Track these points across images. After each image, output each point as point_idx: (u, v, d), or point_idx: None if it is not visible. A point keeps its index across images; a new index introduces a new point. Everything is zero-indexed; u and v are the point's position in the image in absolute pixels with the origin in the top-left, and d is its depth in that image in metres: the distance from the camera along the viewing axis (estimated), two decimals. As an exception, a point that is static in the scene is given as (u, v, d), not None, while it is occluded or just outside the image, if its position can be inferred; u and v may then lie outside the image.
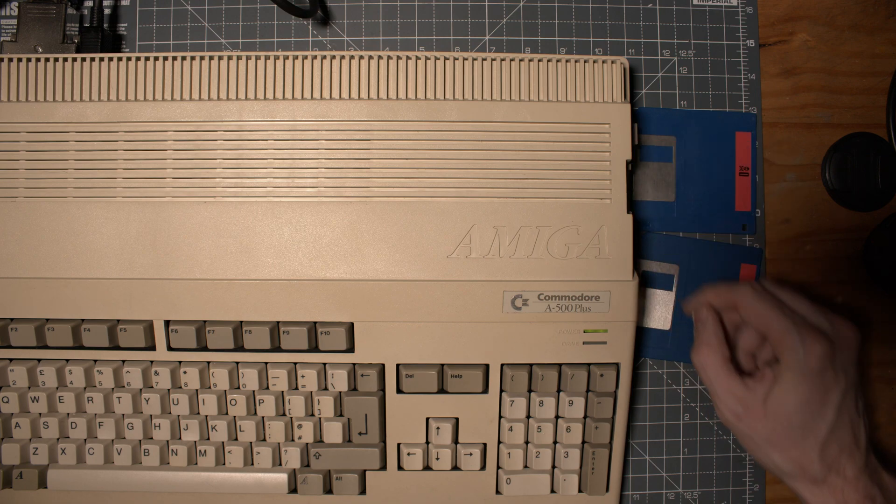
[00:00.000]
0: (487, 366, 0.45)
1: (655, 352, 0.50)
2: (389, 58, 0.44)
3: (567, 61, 0.44)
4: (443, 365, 0.44)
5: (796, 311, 0.42)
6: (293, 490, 0.46)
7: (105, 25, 0.49)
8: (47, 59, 0.44)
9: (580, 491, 0.46)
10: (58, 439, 0.45)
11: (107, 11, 0.50)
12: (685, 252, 0.50)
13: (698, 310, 0.44)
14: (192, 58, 0.44)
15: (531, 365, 0.45)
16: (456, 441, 0.46)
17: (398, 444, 0.45)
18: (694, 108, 0.51)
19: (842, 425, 0.40)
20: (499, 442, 0.46)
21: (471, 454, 0.45)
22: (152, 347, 0.44)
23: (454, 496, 0.46)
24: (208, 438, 0.45)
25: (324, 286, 0.43)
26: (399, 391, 0.45)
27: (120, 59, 0.44)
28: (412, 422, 0.45)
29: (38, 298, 0.43)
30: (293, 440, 0.45)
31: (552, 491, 0.46)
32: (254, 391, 0.45)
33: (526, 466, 0.46)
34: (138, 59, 0.44)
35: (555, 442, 0.46)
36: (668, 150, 0.50)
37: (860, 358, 0.43)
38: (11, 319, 0.44)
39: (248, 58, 0.44)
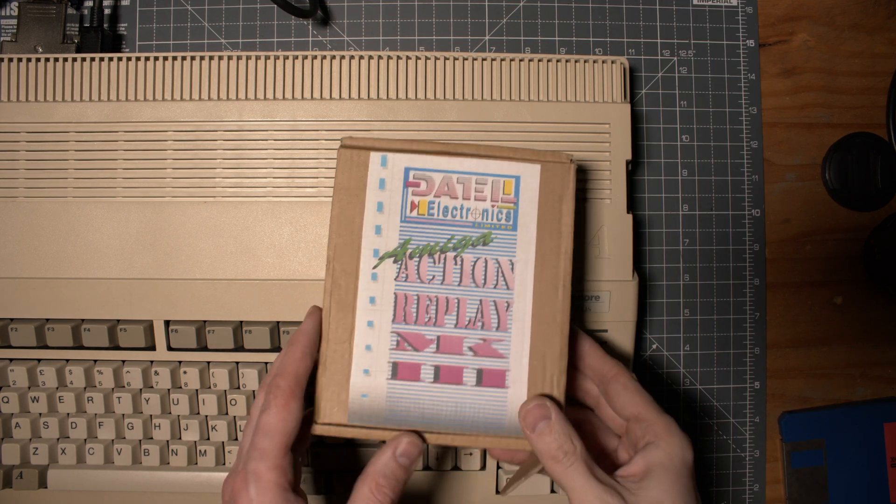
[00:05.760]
0: (487, 366, 0.45)
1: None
2: (389, 58, 0.44)
3: (567, 61, 0.44)
4: (443, 365, 0.44)
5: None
6: (293, 490, 0.46)
7: (105, 25, 0.49)
8: (47, 59, 0.44)
9: (580, 491, 0.46)
10: (58, 439, 0.45)
11: (107, 11, 0.50)
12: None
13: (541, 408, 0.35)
14: (192, 58, 0.44)
15: (531, 365, 0.45)
16: (456, 441, 0.46)
17: (398, 444, 0.45)
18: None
19: None
20: (499, 442, 0.46)
21: (471, 454, 0.45)
22: (152, 347, 0.44)
23: (454, 496, 0.46)
24: (208, 438, 0.45)
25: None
26: (399, 391, 0.45)
27: (120, 59, 0.44)
28: (412, 422, 0.45)
29: (38, 298, 0.43)
30: (293, 440, 0.45)
31: (552, 491, 0.46)
32: (254, 391, 0.45)
33: (526, 466, 0.46)
34: (138, 59, 0.44)
35: (555, 442, 0.46)
36: (818, 454, 0.50)
37: None
38: (11, 319, 0.44)
39: (248, 58, 0.44)
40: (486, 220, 0.36)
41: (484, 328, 0.36)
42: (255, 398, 0.36)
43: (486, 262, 0.36)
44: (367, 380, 0.36)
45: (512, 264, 0.36)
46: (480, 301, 0.36)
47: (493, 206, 0.36)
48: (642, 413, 0.36)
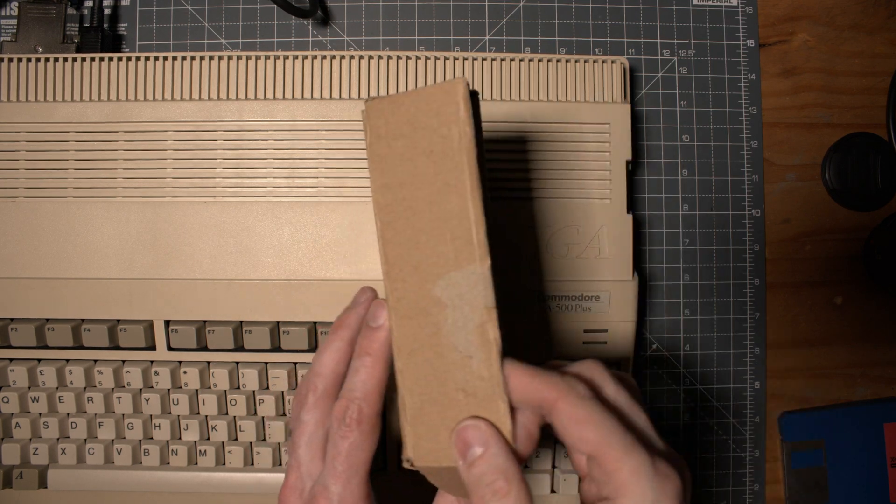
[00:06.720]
0: (487, 366, 0.45)
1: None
2: (389, 58, 0.44)
3: (567, 61, 0.44)
4: (443, 365, 0.44)
5: (636, 426, 0.28)
6: (293, 490, 0.46)
7: (105, 25, 0.49)
8: (47, 59, 0.44)
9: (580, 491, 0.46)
10: (58, 439, 0.45)
11: (107, 11, 0.50)
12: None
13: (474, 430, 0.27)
14: (192, 58, 0.44)
15: (531, 365, 0.45)
16: (456, 441, 0.46)
17: (398, 444, 0.45)
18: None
19: None
20: (499, 442, 0.46)
21: (471, 454, 0.45)
22: (152, 347, 0.44)
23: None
24: (208, 438, 0.45)
25: (324, 286, 0.43)
26: (399, 391, 0.45)
27: (120, 59, 0.44)
28: (412, 422, 0.45)
29: (38, 298, 0.43)
30: (293, 440, 0.45)
31: (552, 491, 0.46)
32: (254, 391, 0.45)
33: (526, 466, 0.46)
34: (138, 59, 0.44)
35: (555, 442, 0.46)
36: (818, 454, 0.50)
37: None
38: (11, 319, 0.44)
39: (248, 58, 0.44)
40: None
41: None
42: (301, 393, 0.32)
43: None
44: None
45: None
46: None
47: None
48: (600, 452, 0.26)
